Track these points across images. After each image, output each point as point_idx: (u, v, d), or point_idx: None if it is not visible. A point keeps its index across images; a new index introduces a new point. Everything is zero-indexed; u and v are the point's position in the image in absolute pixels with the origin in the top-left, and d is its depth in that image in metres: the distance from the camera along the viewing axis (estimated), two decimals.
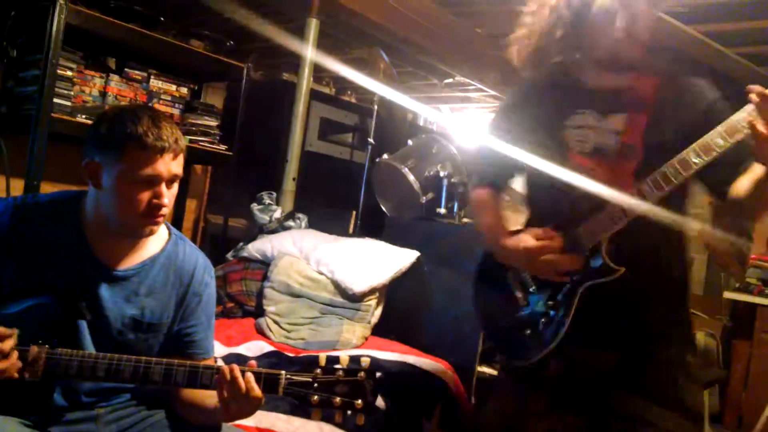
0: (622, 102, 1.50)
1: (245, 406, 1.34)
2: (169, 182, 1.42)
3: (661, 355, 1.50)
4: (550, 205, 1.60)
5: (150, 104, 3.08)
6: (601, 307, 1.49)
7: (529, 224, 1.61)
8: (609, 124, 1.50)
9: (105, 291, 1.46)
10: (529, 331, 1.63)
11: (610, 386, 1.51)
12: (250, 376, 1.32)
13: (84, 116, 2.75)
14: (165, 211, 1.43)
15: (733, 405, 3.88)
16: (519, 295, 1.67)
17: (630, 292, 1.47)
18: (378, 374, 1.35)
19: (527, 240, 1.53)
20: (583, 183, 1.50)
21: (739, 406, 3.84)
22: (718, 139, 1.28)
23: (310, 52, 3.61)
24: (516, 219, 1.66)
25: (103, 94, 2.92)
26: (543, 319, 1.61)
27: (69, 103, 2.74)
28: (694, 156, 1.30)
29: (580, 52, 1.54)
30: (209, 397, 1.42)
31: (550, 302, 1.61)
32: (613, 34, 1.40)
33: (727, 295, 3.95)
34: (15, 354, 1.27)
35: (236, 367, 1.32)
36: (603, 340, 1.53)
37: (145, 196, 1.39)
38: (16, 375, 1.28)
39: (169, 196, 1.42)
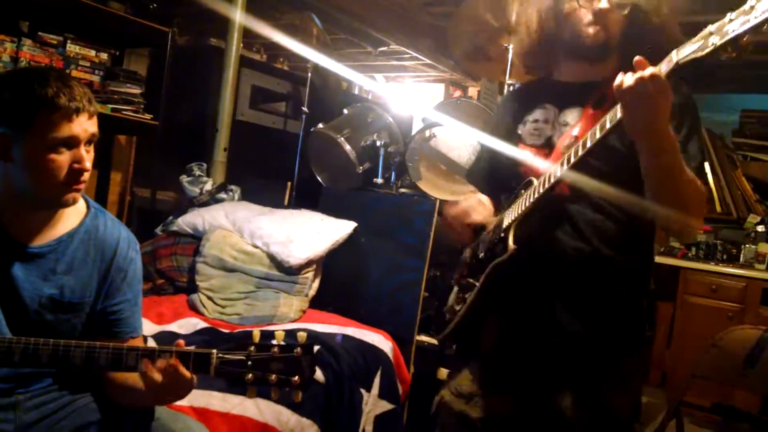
0: (580, 96, 1.48)
1: (175, 389, 1.28)
2: (87, 144, 1.33)
3: (578, 351, 1.43)
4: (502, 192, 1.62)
5: (67, 71, 2.89)
6: (512, 288, 1.49)
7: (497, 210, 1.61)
8: (562, 118, 1.49)
9: (18, 270, 1.36)
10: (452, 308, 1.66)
11: (533, 369, 1.48)
12: (176, 362, 1.25)
13: None
14: (87, 175, 1.35)
15: (657, 363, 4.07)
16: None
17: (541, 277, 1.46)
18: (316, 348, 1.32)
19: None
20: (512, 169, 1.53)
21: (662, 364, 4.04)
22: (606, 117, 1.23)
23: (238, 16, 3.47)
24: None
25: (15, 59, 2.73)
26: (459, 295, 1.63)
27: None
28: (590, 137, 1.26)
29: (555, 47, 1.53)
30: (137, 378, 1.35)
31: (466, 280, 1.62)
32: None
33: None
34: None
35: (164, 355, 1.26)
36: (520, 325, 1.51)
37: (65, 161, 1.30)
38: None
39: (88, 159, 1.34)
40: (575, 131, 1.45)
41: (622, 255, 1.44)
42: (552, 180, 1.34)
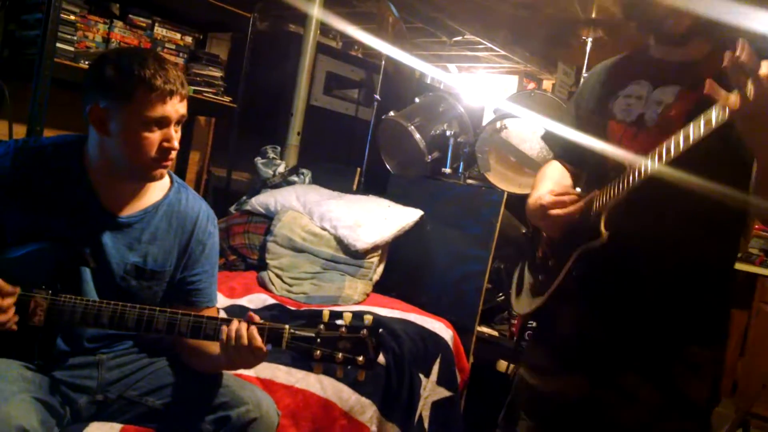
0: (678, 75, 1.44)
1: (249, 358, 1.35)
2: (177, 124, 1.41)
3: (657, 337, 1.43)
4: (591, 171, 1.59)
5: None
6: (598, 272, 1.48)
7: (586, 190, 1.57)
8: (657, 95, 1.45)
9: (108, 238, 1.45)
10: (532, 287, 1.66)
11: (609, 353, 1.48)
12: (254, 330, 1.32)
13: (87, 62, 2.70)
14: (174, 154, 1.43)
15: (729, 372, 3.92)
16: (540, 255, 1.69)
17: (629, 262, 1.44)
18: (379, 330, 1.36)
19: (543, 196, 1.51)
20: (605, 149, 1.48)
21: (734, 373, 3.89)
22: (713, 111, 1.17)
23: (316, 10, 3.53)
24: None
25: (107, 40, 2.87)
26: (541, 277, 1.63)
27: (72, 49, 2.70)
28: (694, 128, 1.21)
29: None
30: (212, 346, 1.43)
31: (550, 262, 1.61)
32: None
33: None
34: (12, 309, 1.28)
35: (242, 324, 1.33)
36: (601, 309, 1.50)
37: (156, 139, 1.38)
38: (14, 327, 1.29)
39: (176, 138, 1.42)
40: (671, 112, 1.41)
41: (709, 247, 1.41)
42: (648, 171, 1.31)
